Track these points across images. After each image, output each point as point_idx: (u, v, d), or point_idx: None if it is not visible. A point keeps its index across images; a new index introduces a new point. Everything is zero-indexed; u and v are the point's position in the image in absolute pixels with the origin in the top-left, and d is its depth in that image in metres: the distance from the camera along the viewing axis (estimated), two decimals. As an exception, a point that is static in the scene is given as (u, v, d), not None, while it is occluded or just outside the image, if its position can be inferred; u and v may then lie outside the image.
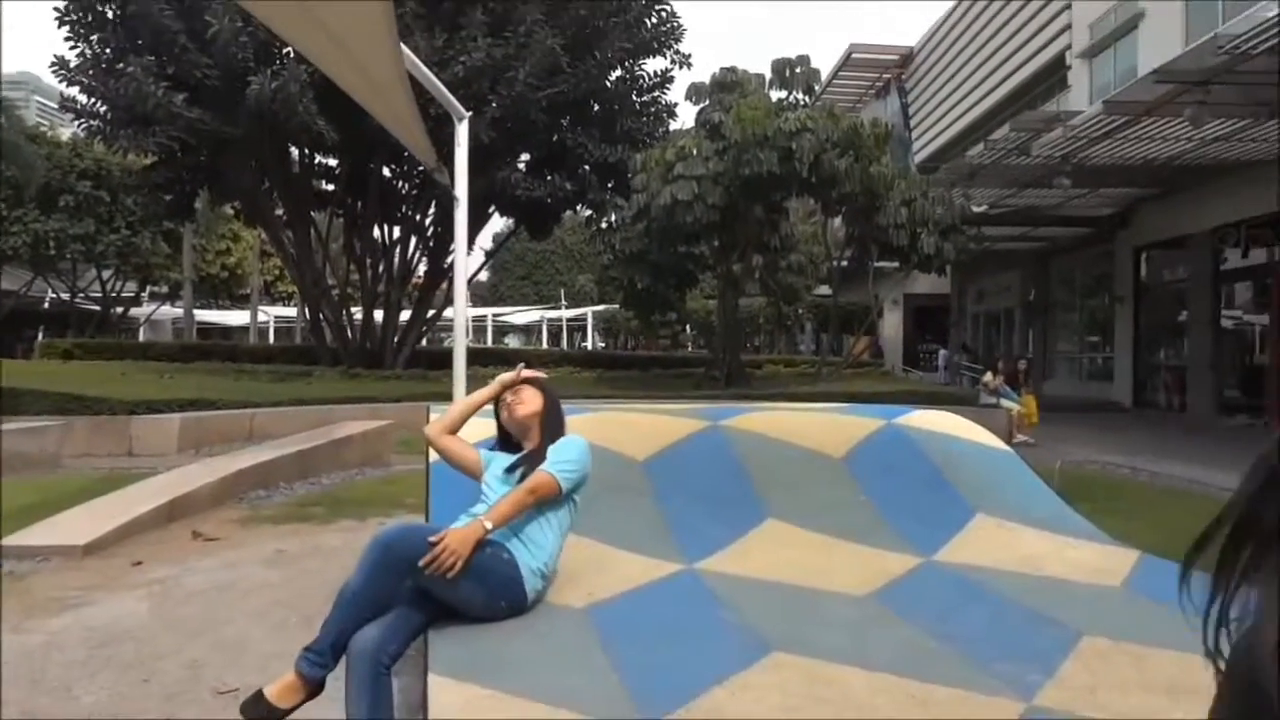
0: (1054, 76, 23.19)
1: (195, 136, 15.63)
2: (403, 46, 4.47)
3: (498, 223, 37.16)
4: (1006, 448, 4.58)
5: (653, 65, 18.78)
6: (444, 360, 20.70)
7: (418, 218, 20.10)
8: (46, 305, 36.35)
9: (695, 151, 15.56)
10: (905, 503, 3.91)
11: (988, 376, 13.85)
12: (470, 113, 6.87)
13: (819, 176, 14.75)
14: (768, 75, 16.26)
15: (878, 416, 4.62)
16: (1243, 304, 18.69)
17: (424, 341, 22.53)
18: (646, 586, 3.05)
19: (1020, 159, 14.65)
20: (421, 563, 2.49)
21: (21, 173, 25.58)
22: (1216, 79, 10.03)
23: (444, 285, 21.59)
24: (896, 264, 18.11)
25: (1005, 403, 13.60)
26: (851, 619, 2.77)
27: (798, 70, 15.62)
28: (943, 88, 30.20)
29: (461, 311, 6.44)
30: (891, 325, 37.09)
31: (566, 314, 46.58)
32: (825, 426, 4.53)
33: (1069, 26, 22.09)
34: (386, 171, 19.17)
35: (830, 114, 14.87)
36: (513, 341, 51.46)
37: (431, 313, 20.77)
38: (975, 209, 21.27)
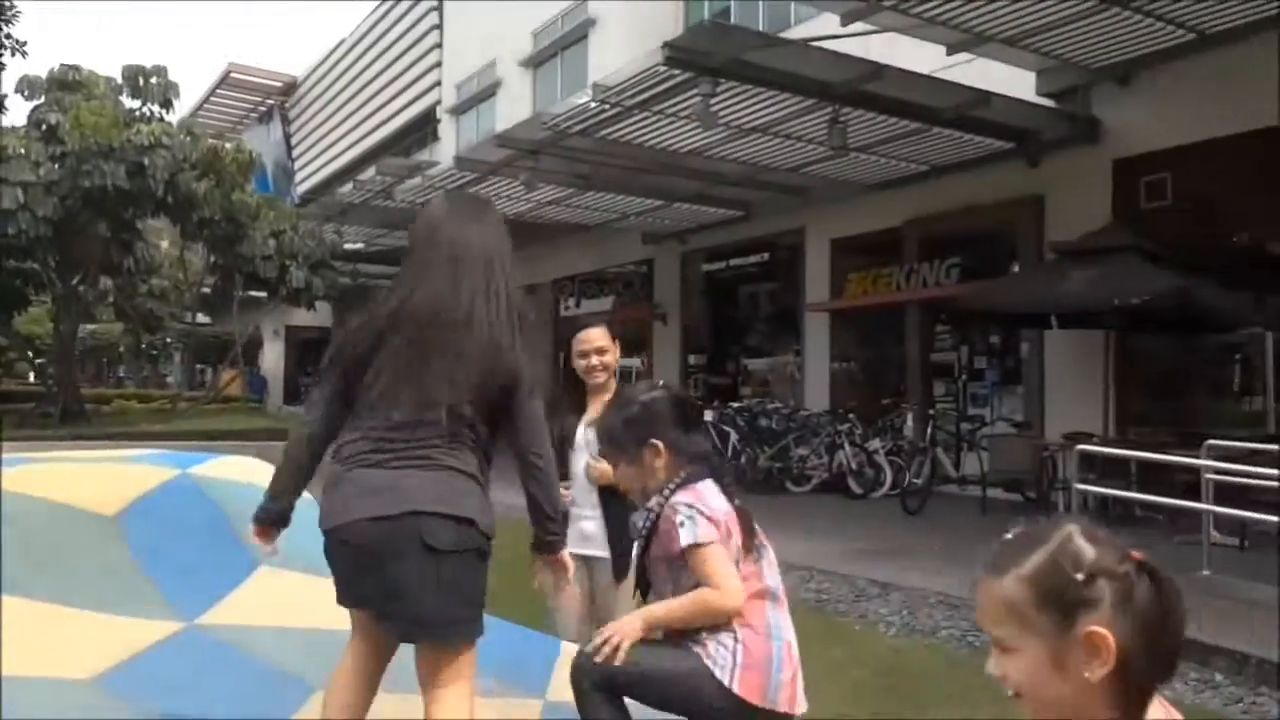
0: (428, 126, 24.56)
1: None
2: None
3: None
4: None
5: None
6: None
7: None
8: None
9: (25, 154, 13.47)
10: (180, 562, 3.64)
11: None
12: None
13: (175, 198, 13.72)
14: (120, 80, 14.72)
15: (171, 465, 4.28)
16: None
17: None
18: None
19: (385, 201, 15.15)
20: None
21: None
22: (545, 149, 11.41)
23: None
24: (265, 295, 17.53)
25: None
26: (55, 710, 2.45)
27: (153, 80, 14.38)
28: (325, 122, 30.21)
29: None
30: (273, 358, 36.01)
31: None
32: (106, 478, 4.06)
33: (439, 83, 23.58)
34: None
35: (190, 133, 13.92)
36: None
37: None
38: (349, 246, 21.63)
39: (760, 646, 2.41)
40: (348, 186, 16.35)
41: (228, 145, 14.51)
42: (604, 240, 17.80)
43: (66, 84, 14.70)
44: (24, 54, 15.81)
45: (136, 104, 14.56)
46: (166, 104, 14.45)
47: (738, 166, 12.23)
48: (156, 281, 20.78)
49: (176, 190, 13.54)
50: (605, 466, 3.16)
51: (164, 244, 18.15)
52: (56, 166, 13.29)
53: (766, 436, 12.44)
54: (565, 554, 2.59)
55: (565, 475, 3.35)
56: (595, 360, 3.45)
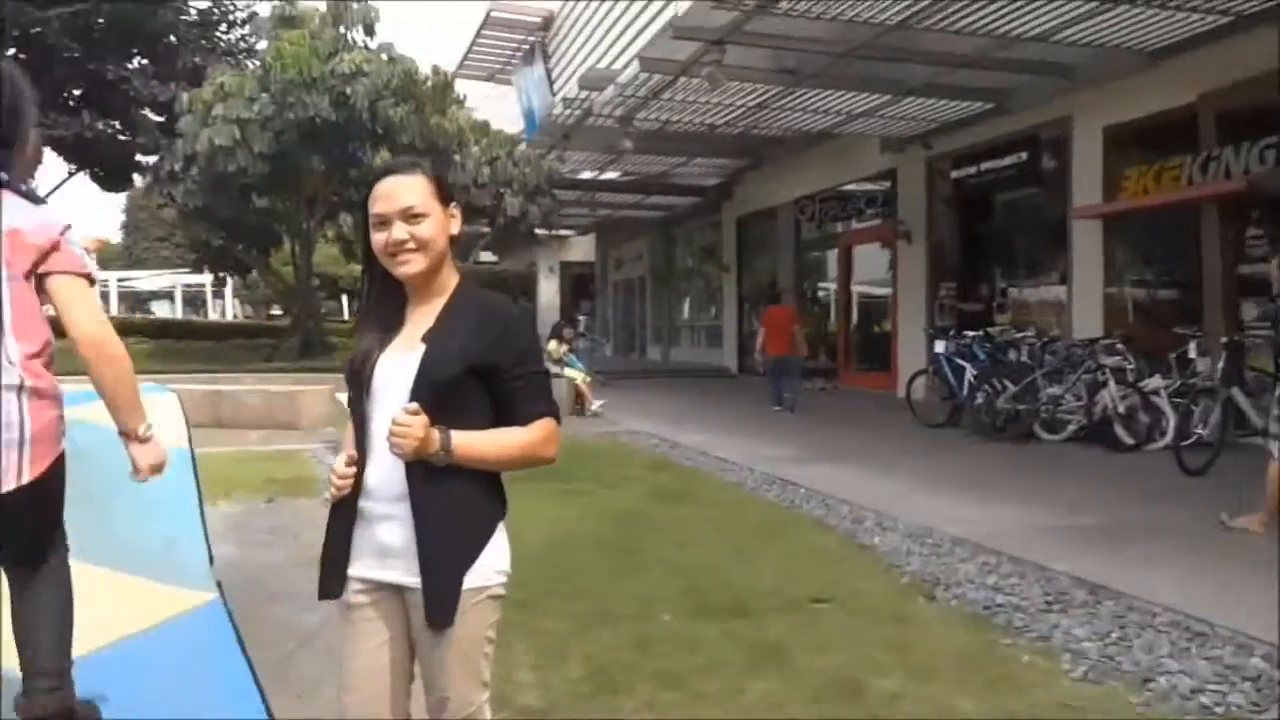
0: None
1: None
2: None
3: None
4: (181, 447, 3.43)
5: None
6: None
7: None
8: None
9: (243, 91, 13.66)
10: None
11: (552, 345, 13.22)
12: None
13: (382, 127, 13.43)
14: (325, 11, 14.63)
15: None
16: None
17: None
18: None
19: (591, 119, 14.12)
20: None
21: None
22: (731, 38, 9.73)
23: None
24: (487, 226, 17.18)
25: (570, 372, 13.03)
26: None
27: (354, 6, 14.12)
28: (578, 52, 29.74)
29: None
30: (548, 294, 36.66)
31: (198, 279, 42.10)
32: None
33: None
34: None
35: (389, 57, 13.53)
36: (160, 310, 46.00)
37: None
38: (588, 175, 20.97)
39: None
40: (558, 107, 15.45)
41: (425, 67, 13.98)
42: (840, 152, 15.76)
43: (286, 20, 14.81)
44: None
45: (340, 32, 14.39)
46: (369, 30, 14.19)
47: (980, 41, 9.91)
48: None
49: (377, 117, 13.22)
50: (418, 424, 1.79)
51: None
52: (269, 100, 13.35)
53: (1012, 372, 10.18)
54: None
55: (360, 439, 1.95)
56: (402, 231, 1.93)
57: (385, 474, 1.90)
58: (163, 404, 3.50)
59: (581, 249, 33.39)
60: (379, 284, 2.01)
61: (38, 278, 2.29)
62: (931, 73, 11.17)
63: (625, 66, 11.60)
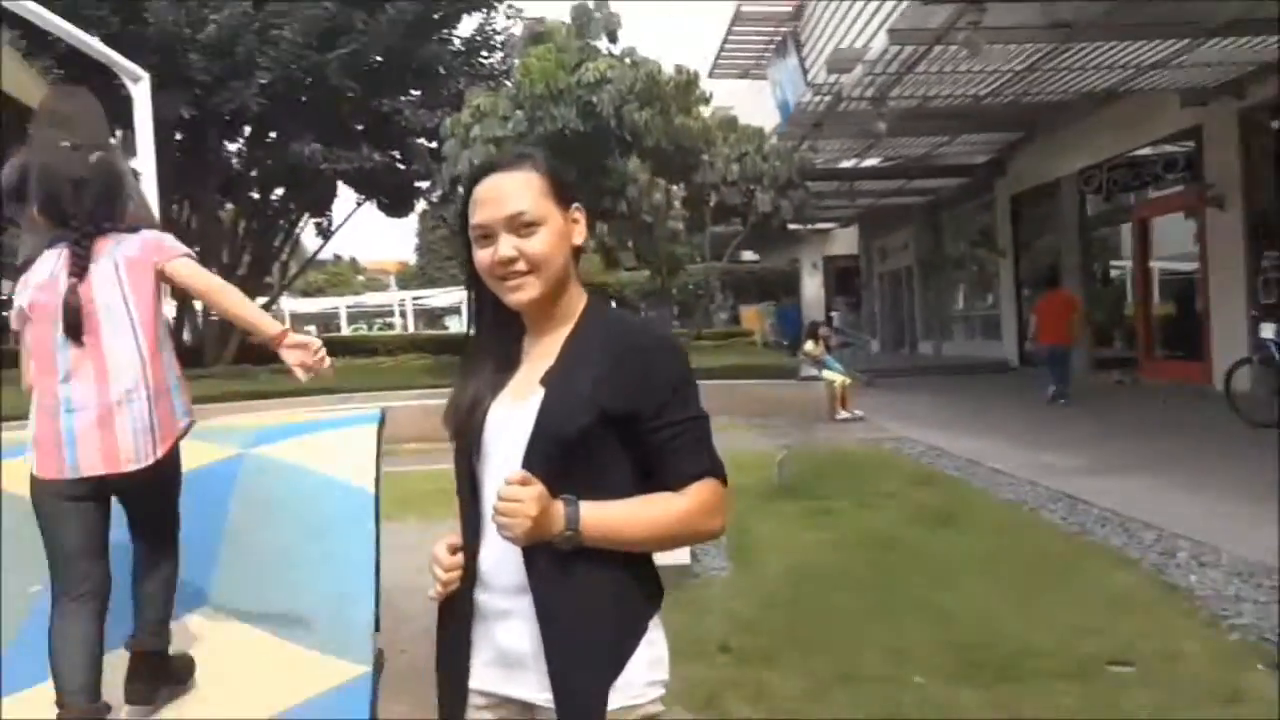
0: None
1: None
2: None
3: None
4: (365, 489, 3.18)
5: (475, 21, 17.35)
6: (275, 355, 19.25)
7: (256, 195, 18.58)
8: None
9: (497, 110, 14.08)
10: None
11: (809, 345, 12.57)
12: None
13: (629, 133, 13.36)
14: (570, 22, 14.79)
15: (236, 444, 3.25)
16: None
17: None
18: None
19: (844, 104, 13.36)
20: None
21: None
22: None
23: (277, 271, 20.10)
24: (739, 224, 16.74)
25: (828, 373, 12.33)
26: None
27: (596, 15, 14.14)
28: (831, 38, 28.73)
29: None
30: (812, 291, 35.75)
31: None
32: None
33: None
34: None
35: (632, 61, 13.43)
36: (454, 324, 49.76)
37: (261, 302, 19.21)
38: (845, 164, 20.04)
39: None
40: (806, 95, 14.77)
41: (666, 68, 13.73)
42: (1129, 112, 13.93)
43: (536, 37, 15.13)
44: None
45: (584, 43, 14.45)
46: (612, 36, 14.14)
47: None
48: (671, 224, 21.13)
49: (623, 123, 13.16)
50: (531, 497, 1.34)
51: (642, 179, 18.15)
52: (522, 117, 13.65)
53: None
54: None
55: (470, 513, 1.51)
56: (509, 247, 1.46)
57: (500, 557, 1.45)
58: (357, 438, 3.30)
59: (845, 241, 32.26)
60: (489, 310, 1.56)
61: (156, 272, 2.84)
62: (1242, 6, 9.45)
63: (871, 42, 10.77)
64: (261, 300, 19.66)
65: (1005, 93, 12.63)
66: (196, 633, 2.86)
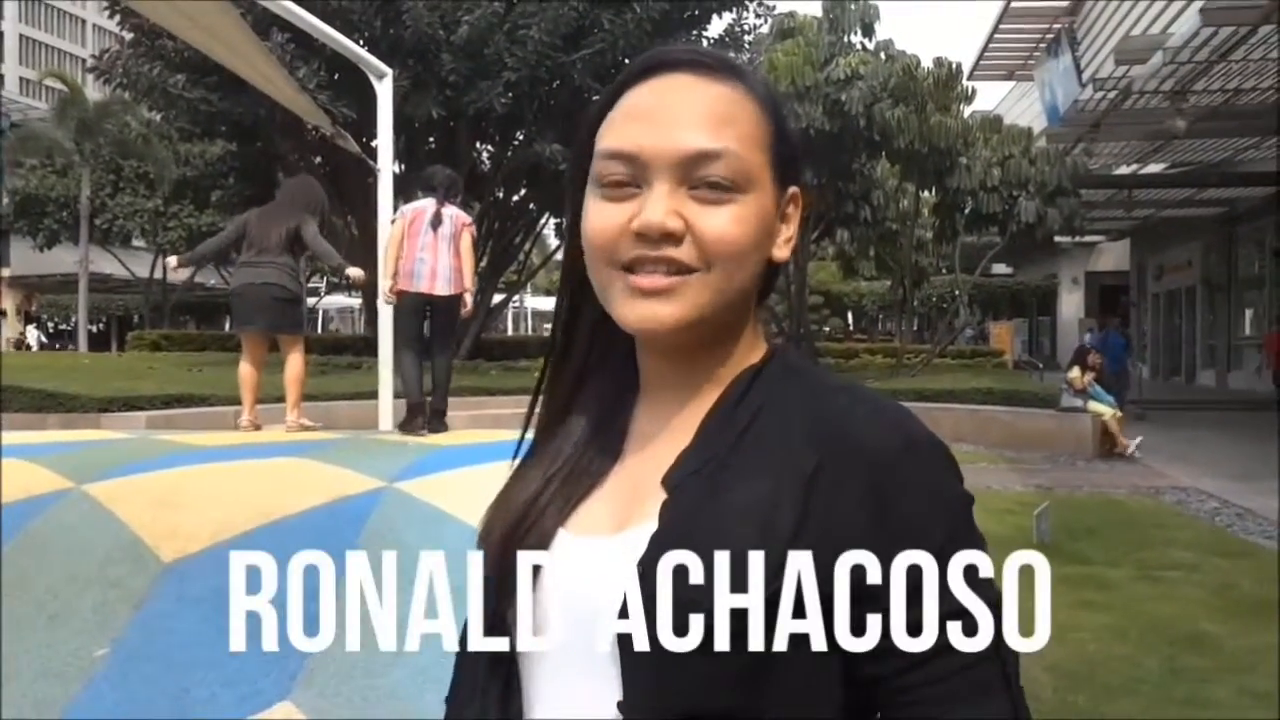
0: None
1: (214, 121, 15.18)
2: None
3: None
4: None
5: (726, 20, 16.92)
6: (511, 351, 19.73)
7: (500, 195, 19.04)
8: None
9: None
10: (213, 658, 2.13)
11: (1074, 373, 11.09)
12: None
13: (874, 132, 12.43)
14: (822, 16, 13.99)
15: (380, 475, 2.80)
16: None
17: (501, 329, 21.54)
18: None
19: (1132, 100, 11.80)
20: None
21: (156, 169, 26.64)
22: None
23: (518, 268, 20.50)
24: (997, 233, 15.29)
25: (1095, 405, 10.83)
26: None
27: (851, 7, 13.23)
28: (1112, 34, 26.13)
29: (384, 292, 5.39)
30: (1070, 309, 32.82)
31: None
32: (274, 489, 2.76)
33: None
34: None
35: (887, 55, 12.47)
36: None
37: (498, 298, 19.65)
38: (1123, 170, 18.00)
39: None
40: (1084, 93, 13.22)
41: (924, 61, 12.65)
42: None
43: (785, 32, 14.47)
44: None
45: (835, 38, 13.60)
46: (867, 30, 13.19)
47: None
48: (919, 232, 19.84)
49: (873, 122, 12.24)
50: None
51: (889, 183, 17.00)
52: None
53: None
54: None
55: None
56: (666, 214, 0.71)
57: None
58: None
59: (1112, 257, 29.41)
60: (582, 342, 0.82)
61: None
62: None
63: (1169, 27, 9.30)
64: (501, 297, 20.15)
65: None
66: None
